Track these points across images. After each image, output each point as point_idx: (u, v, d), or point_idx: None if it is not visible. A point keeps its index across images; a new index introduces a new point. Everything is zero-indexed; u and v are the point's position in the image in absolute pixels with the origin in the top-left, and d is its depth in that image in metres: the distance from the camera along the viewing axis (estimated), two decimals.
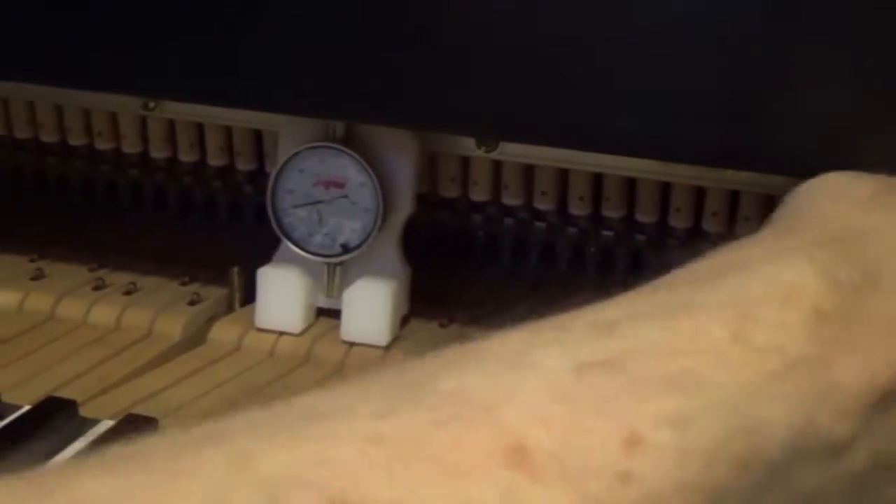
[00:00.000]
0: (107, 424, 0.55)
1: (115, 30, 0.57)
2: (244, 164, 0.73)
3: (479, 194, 0.69)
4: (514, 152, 0.65)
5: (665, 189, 0.67)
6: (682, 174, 0.63)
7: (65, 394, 0.57)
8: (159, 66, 0.58)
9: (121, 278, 0.69)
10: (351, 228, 0.63)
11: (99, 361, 0.62)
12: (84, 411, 0.56)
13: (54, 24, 0.58)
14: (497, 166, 0.68)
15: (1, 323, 0.65)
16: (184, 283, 0.70)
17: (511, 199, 0.69)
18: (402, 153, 0.64)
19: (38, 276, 0.69)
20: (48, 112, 0.75)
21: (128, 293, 0.68)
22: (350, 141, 0.63)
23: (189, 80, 0.58)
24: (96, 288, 0.68)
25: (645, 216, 0.68)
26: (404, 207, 0.64)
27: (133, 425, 0.53)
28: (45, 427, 0.53)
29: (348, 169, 0.63)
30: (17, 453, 0.51)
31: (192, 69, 0.57)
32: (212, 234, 0.77)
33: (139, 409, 0.56)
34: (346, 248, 0.64)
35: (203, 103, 0.65)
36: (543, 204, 0.69)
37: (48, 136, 0.76)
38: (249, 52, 0.56)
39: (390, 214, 0.64)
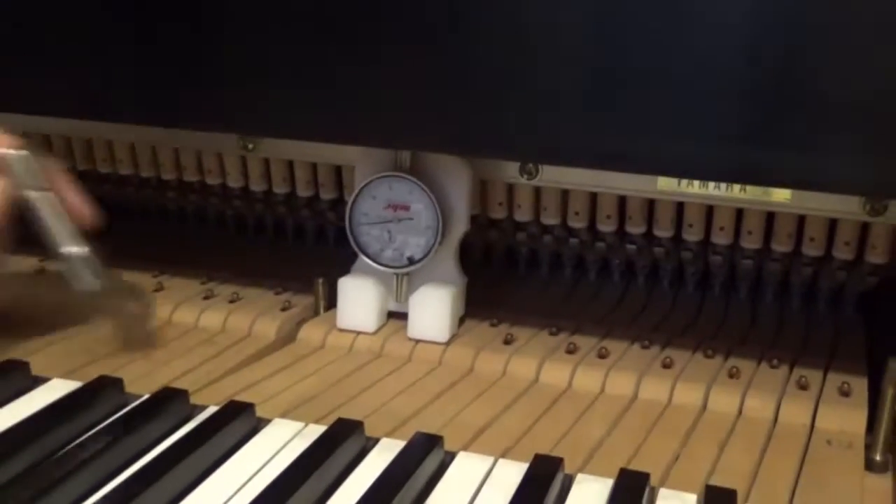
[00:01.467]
0: (213, 410, 0.52)
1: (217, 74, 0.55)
2: (327, 194, 0.70)
3: (522, 215, 0.66)
4: (550, 178, 0.62)
5: (679, 208, 0.64)
6: (693, 194, 0.60)
7: (179, 385, 0.54)
8: (259, 106, 0.55)
9: (226, 290, 0.67)
10: (416, 244, 0.60)
11: (208, 358, 0.59)
12: (194, 399, 0.53)
13: (162, 73, 0.55)
14: (537, 191, 0.65)
15: None
16: (277, 293, 0.67)
17: (549, 218, 0.66)
18: (457, 179, 0.60)
19: (158, 288, 0.67)
20: (167, 154, 0.73)
21: (232, 301, 0.66)
22: (414, 170, 0.60)
23: (282, 119, 0.55)
24: (206, 297, 0.66)
25: (662, 231, 0.65)
26: (460, 225, 0.61)
27: (233, 410, 0.51)
28: (160, 413, 0.50)
29: (413, 194, 0.60)
30: (134, 436, 0.48)
31: (285, 110, 0.55)
32: (301, 253, 0.75)
33: (240, 398, 0.53)
34: (411, 261, 0.61)
35: (295, 139, 0.62)
36: (576, 222, 0.66)
37: (167, 174, 0.74)
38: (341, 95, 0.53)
39: (448, 232, 0.61)
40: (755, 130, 0.48)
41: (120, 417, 0.50)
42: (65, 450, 0.47)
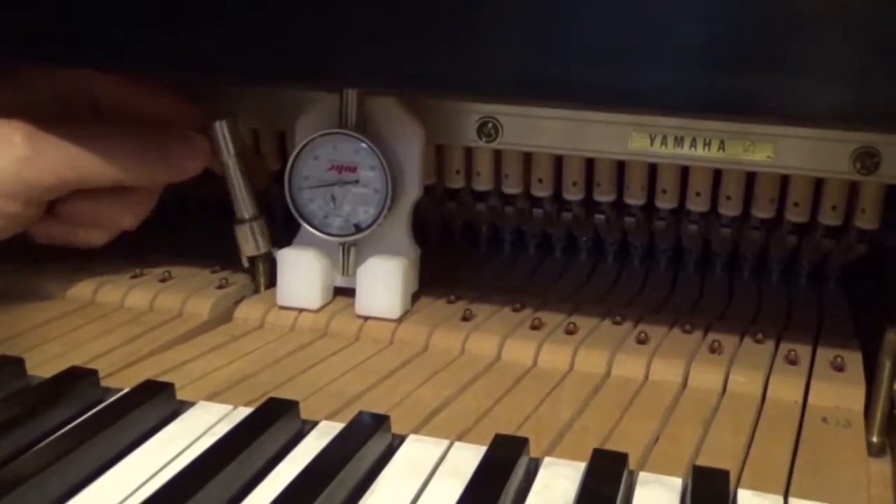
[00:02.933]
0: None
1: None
2: (274, 166, 0.62)
3: (481, 184, 0.59)
4: (511, 140, 0.55)
5: (652, 174, 0.57)
6: (667, 154, 0.53)
7: (94, 367, 0.46)
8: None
9: (157, 269, 0.59)
10: (363, 211, 0.53)
11: (130, 339, 0.51)
12: (108, 382, 0.45)
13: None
14: (497, 158, 0.58)
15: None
16: (214, 272, 0.59)
17: (511, 187, 0.59)
18: (408, 139, 0.53)
19: (82, 267, 0.59)
20: None
21: (162, 280, 0.58)
22: (360, 129, 0.52)
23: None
24: (134, 276, 0.58)
25: (633, 199, 0.58)
26: (412, 191, 0.54)
27: (149, 391, 0.43)
28: (63, 395, 0.43)
29: (360, 154, 0.52)
30: (32, 420, 0.40)
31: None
32: None
33: (162, 379, 0.45)
34: (358, 228, 0.53)
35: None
36: (540, 191, 0.59)
37: None
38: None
39: (399, 197, 0.53)
40: (732, 54, 0.41)
41: (14, 399, 0.42)
42: None
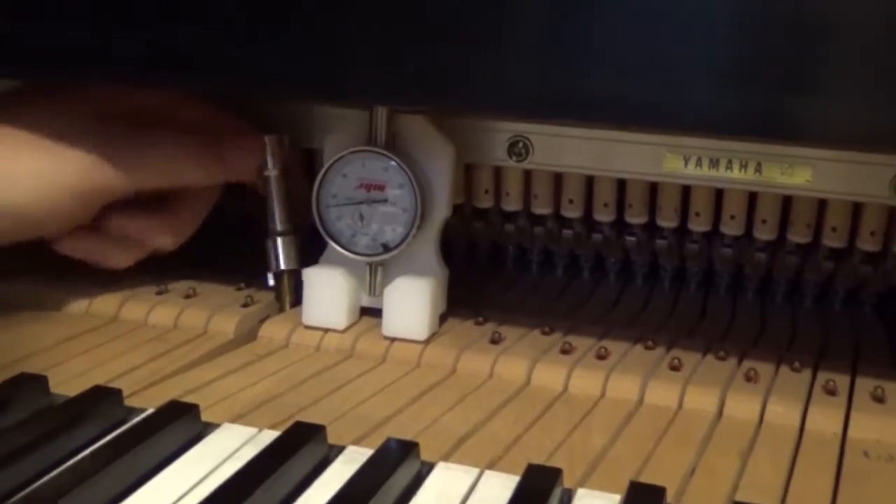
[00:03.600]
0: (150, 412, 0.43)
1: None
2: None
3: (510, 204, 0.58)
4: (542, 160, 0.54)
5: (685, 196, 0.56)
6: (702, 176, 0.52)
7: (117, 386, 0.45)
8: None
9: (182, 284, 0.58)
10: (391, 230, 0.52)
11: (154, 357, 0.50)
12: (132, 401, 0.44)
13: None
14: (527, 178, 0.57)
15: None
16: (239, 289, 0.58)
17: (540, 207, 0.57)
18: (438, 158, 0.52)
19: (106, 282, 0.58)
20: None
21: (187, 297, 0.57)
22: (390, 146, 0.52)
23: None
24: (159, 293, 0.57)
25: (665, 221, 0.56)
26: (441, 210, 0.53)
27: (174, 412, 0.42)
28: (87, 415, 0.42)
29: (389, 172, 0.51)
30: (53, 441, 0.39)
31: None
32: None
33: (186, 400, 0.44)
34: (386, 248, 0.52)
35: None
36: (570, 212, 0.57)
37: None
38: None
39: (428, 216, 0.52)
40: (771, 74, 0.40)
41: (36, 419, 0.41)
42: None
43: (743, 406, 0.46)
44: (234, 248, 0.66)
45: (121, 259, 0.56)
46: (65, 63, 0.48)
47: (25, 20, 0.47)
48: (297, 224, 0.56)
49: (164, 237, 0.55)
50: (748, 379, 0.48)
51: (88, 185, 0.51)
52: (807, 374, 0.49)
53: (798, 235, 0.54)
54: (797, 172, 0.50)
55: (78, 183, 0.50)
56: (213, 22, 0.45)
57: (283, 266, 0.56)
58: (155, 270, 0.58)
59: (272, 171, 0.55)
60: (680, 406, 0.47)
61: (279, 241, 0.56)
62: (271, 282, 0.56)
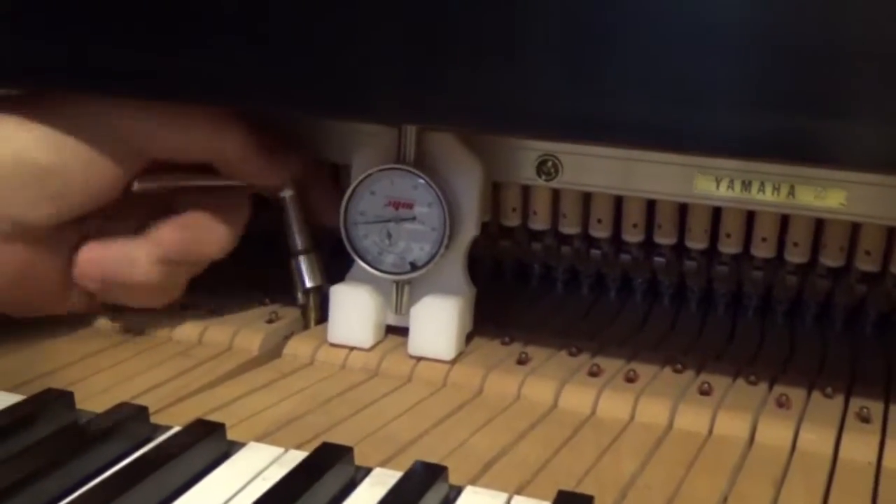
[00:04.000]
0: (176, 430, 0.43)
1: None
2: None
3: (538, 223, 0.57)
4: (571, 179, 0.53)
5: (715, 217, 0.55)
6: (733, 198, 0.51)
7: (142, 402, 0.45)
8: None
9: (207, 299, 0.58)
10: (419, 248, 0.51)
11: (178, 373, 0.50)
12: (157, 418, 0.44)
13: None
14: (556, 197, 0.56)
15: None
16: (264, 304, 0.58)
17: (569, 227, 0.57)
18: (467, 176, 0.52)
19: None
20: None
21: (212, 312, 0.56)
22: (419, 164, 0.51)
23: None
24: (184, 307, 0.56)
25: (694, 242, 0.56)
26: (469, 229, 0.52)
27: (200, 431, 0.41)
28: (113, 433, 0.41)
29: (417, 190, 0.51)
30: (78, 459, 0.39)
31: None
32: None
33: (211, 418, 0.44)
34: (413, 267, 0.52)
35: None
36: (599, 231, 0.57)
37: None
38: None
39: (456, 235, 0.52)
40: (804, 96, 0.39)
41: (63, 436, 0.41)
42: None
43: (775, 433, 0.45)
44: (260, 263, 0.66)
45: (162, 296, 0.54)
46: (96, 79, 0.47)
47: (60, 37, 0.47)
48: (319, 240, 0.56)
49: (210, 246, 0.53)
50: (780, 405, 0.47)
51: (131, 145, 0.49)
52: (839, 400, 0.48)
53: (831, 259, 0.53)
54: (831, 195, 0.50)
55: (117, 145, 0.49)
56: (240, 40, 0.45)
57: (308, 284, 0.55)
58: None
59: (287, 192, 0.54)
60: (710, 432, 0.46)
61: (301, 259, 0.55)
62: (300, 301, 0.56)
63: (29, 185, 0.48)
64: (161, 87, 0.47)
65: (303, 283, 0.56)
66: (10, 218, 0.48)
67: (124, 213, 0.51)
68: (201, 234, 0.52)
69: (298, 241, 0.55)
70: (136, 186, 0.50)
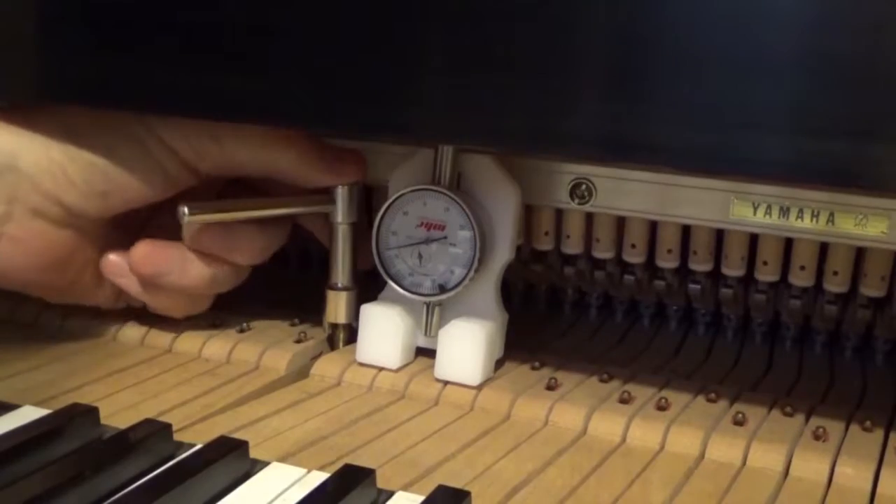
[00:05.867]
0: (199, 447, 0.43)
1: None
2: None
3: (571, 247, 0.56)
4: (605, 203, 0.53)
5: (753, 244, 0.54)
6: (771, 224, 0.50)
7: (168, 419, 0.45)
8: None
9: (236, 318, 0.58)
10: (449, 270, 0.51)
11: (205, 391, 0.50)
12: (181, 435, 0.44)
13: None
14: (589, 221, 0.56)
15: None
16: (293, 324, 0.58)
17: (602, 251, 0.56)
18: (502, 199, 0.51)
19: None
20: None
21: (241, 331, 0.56)
22: (454, 186, 0.51)
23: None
24: (213, 325, 0.57)
25: (731, 269, 0.55)
26: (503, 253, 0.52)
27: (223, 448, 0.41)
28: (136, 448, 0.41)
29: (450, 212, 0.50)
30: (101, 473, 0.39)
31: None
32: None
33: (235, 436, 0.44)
34: (443, 289, 0.51)
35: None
36: (632, 257, 0.56)
37: None
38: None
39: (488, 259, 0.51)
40: (850, 120, 0.38)
41: (86, 451, 0.41)
42: (16, 485, 0.38)
43: (811, 466, 0.44)
44: (290, 283, 0.66)
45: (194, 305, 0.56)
46: (153, 97, 0.48)
47: (120, 57, 0.48)
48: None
49: (244, 254, 0.54)
50: (816, 437, 0.46)
51: (184, 156, 0.51)
52: (879, 433, 0.47)
53: (871, 289, 0.52)
54: (872, 223, 0.48)
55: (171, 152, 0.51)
56: (281, 61, 0.45)
57: (340, 321, 0.56)
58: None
59: (341, 223, 0.54)
60: (744, 463, 0.45)
61: (341, 296, 0.55)
62: (327, 330, 0.56)
63: (82, 180, 0.50)
64: (202, 107, 0.47)
65: (333, 317, 0.55)
66: (65, 204, 0.50)
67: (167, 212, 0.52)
68: (243, 242, 0.53)
69: (341, 276, 0.55)
70: (186, 220, 0.50)
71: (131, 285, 0.54)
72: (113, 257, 0.54)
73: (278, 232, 0.55)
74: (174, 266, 0.53)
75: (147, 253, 0.53)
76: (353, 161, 0.54)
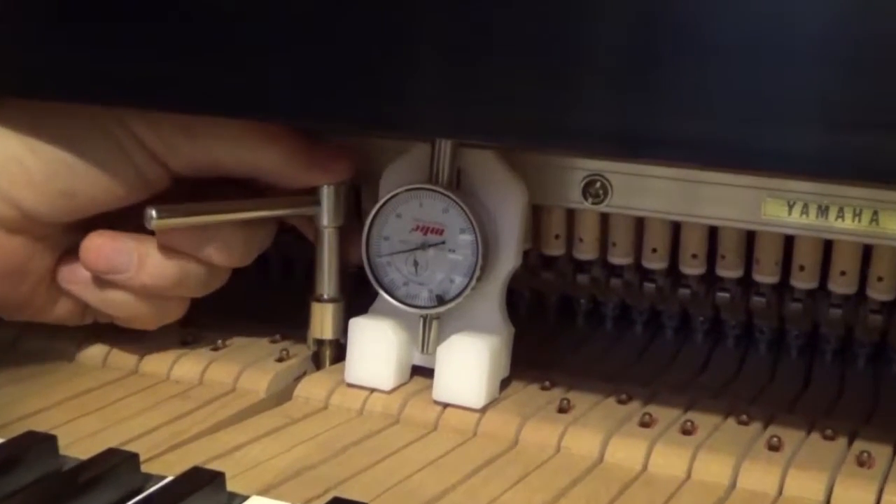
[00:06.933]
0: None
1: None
2: None
3: (584, 252, 0.57)
4: (622, 203, 0.53)
5: (788, 247, 0.54)
6: (808, 225, 0.50)
7: (134, 448, 0.45)
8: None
9: (210, 334, 0.58)
10: (448, 279, 0.51)
11: (176, 417, 0.50)
12: (149, 466, 0.44)
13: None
14: (605, 223, 0.56)
15: None
16: (273, 341, 0.58)
17: (618, 257, 0.56)
18: (508, 200, 0.52)
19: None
20: None
21: (215, 349, 0.57)
22: (453, 185, 0.51)
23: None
24: (184, 343, 0.57)
25: (764, 276, 0.55)
26: (508, 260, 0.52)
27: (196, 481, 0.41)
28: (99, 481, 0.41)
29: (449, 213, 0.51)
30: None
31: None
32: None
33: (210, 466, 0.44)
34: (441, 300, 0.52)
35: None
36: (653, 262, 0.56)
37: None
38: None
39: (492, 266, 0.52)
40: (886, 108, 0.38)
41: (43, 485, 0.41)
42: None
43: (854, 496, 0.44)
44: (270, 293, 0.66)
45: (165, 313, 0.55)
46: (119, 88, 0.48)
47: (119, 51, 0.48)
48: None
49: (223, 254, 0.53)
50: (860, 463, 0.46)
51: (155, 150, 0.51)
52: None
53: None
54: None
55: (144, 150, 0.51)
56: (262, 49, 0.46)
57: (326, 336, 0.56)
58: (181, 318, 0.58)
59: (327, 226, 0.54)
60: (780, 493, 0.45)
61: (327, 309, 0.55)
62: (312, 348, 0.56)
63: (44, 177, 0.50)
64: (180, 98, 0.48)
65: (319, 332, 0.56)
66: (21, 206, 0.50)
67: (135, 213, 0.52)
68: (218, 240, 0.53)
69: (327, 287, 0.55)
70: (154, 223, 0.50)
71: (87, 292, 0.53)
72: (66, 263, 0.53)
73: (261, 232, 0.55)
74: (130, 259, 0.52)
75: (99, 245, 0.52)
76: (342, 158, 0.54)
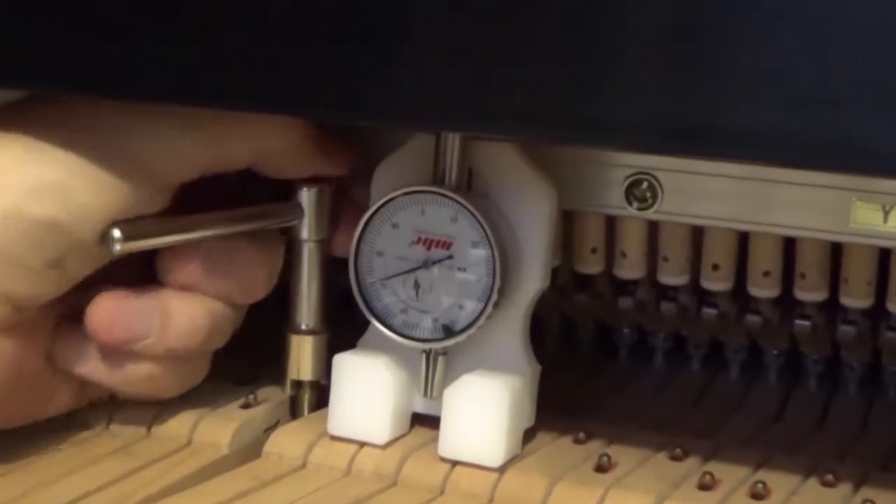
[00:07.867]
0: None
1: None
2: None
3: (628, 270, 0.58)
4: (675, 209, 0.54)
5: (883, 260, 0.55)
6: None
7: None
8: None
9: None
10: (457, 305, 0.52)
11: (117, 478, 0.50)
12: None
13: None
14: (653, 233, 0.57)
15: None
16: (238, 383, 0.59)
17: (670, 276, 0.57)
18: (532, 206, 0.52)
19: None
20: None
21: None
22: (462, 188, 0.52)
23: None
24: None
25: (853, 299, 0.55)
26: (533, 280, 0.52)
27: None
28: None
29: (459, 223, 0.51)
30: None
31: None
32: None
33: None
34: (449, 332, 0.52)
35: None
36: (714, 283, 0.57)
37: None
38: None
39: (513, 289, 0.52)
40: None
41: None
42: None
43: None
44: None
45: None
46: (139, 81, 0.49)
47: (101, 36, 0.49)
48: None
49: (254, 292, 0.55)
50: None
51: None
52: None
53: None
54: None
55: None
56: (242, 37, 0.47)
57: (305, 377, 0.57)
58: None
59: (307, 240, 0.55)
60: None
61: (306, 342, 0.56)
62: (288, 391, 0.57)
63: (25, 246, 0.48)
64: (161, 87, 0.48)
65: (297, 373, 0.56)
66: (11, 295, 0.48)
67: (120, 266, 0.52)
68: (236, 273, 0.54)
69: (306, 315, 0.56)
70: (118, 247, 0.49)
71: (100, 371, 0.52)
72: (66, 339, 0.52)
73: (279, 251, 0.56)
74: (151, 320, 0.52)
75: (111, 311, 0.51)
76: (345, 151, 0.56)
